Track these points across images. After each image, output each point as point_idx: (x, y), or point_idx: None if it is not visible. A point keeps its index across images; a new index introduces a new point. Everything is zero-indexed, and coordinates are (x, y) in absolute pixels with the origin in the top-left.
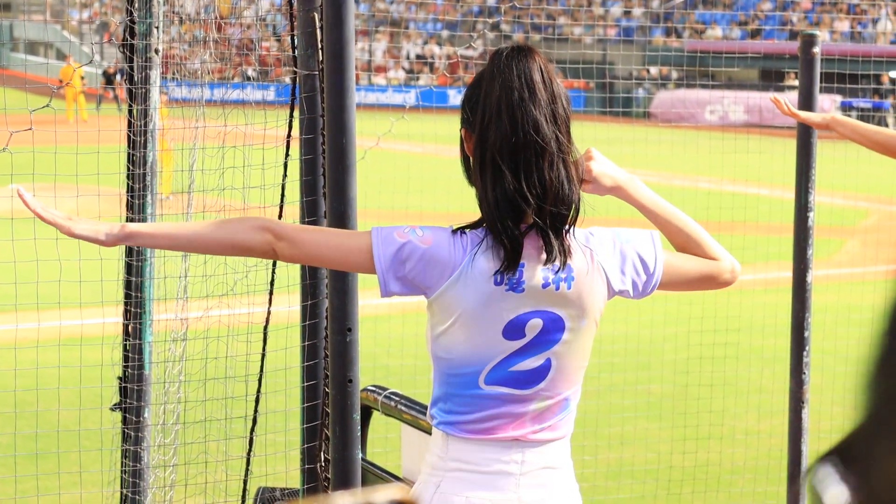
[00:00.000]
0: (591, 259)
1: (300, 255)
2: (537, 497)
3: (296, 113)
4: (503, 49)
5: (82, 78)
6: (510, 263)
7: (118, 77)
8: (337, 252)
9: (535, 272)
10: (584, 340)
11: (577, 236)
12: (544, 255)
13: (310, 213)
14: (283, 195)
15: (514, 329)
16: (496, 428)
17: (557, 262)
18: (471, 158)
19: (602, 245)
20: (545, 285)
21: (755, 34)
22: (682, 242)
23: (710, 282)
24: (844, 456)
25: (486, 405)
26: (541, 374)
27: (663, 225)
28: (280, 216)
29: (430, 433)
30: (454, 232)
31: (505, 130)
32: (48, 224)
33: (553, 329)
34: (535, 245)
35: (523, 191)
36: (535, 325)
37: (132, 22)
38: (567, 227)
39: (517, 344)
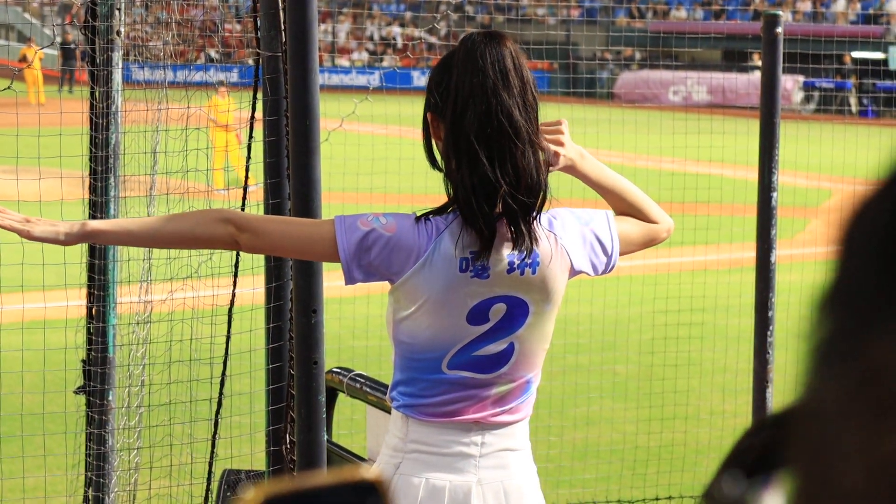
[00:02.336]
0: (556, 243)
1: (263, 246)
2: (496, 478)
3: (259, 95)
4: (475, 34)
5: (41, 59)
6: (484, 248)
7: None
8: (300, 242)
9: (501, 258)
10: (546, 323)
11: (541, 221)
12: (510, 242)
13: (273, 195)
14: (246, 177)
15: (478, 314)
16: (457, 411)
17: (524, 249)
18: (437, 143)
19: (565, 228)
20: (510, 271)
21: (719, 15)
22: (625, 210)
23: (649, 244)
24: (765, 460)
25: (449, 389)
26: (504, 358)
27: (609, 196)
28: (244, 198)
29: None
30: (418, 219)
31: (480, 117)
32: (5, 230)
33: (517, 314)
34: (501, 231)
35: (498, 177)
36: (498, 310)
37: (94, 4)
38: (534, 213)
39: (481, 329)
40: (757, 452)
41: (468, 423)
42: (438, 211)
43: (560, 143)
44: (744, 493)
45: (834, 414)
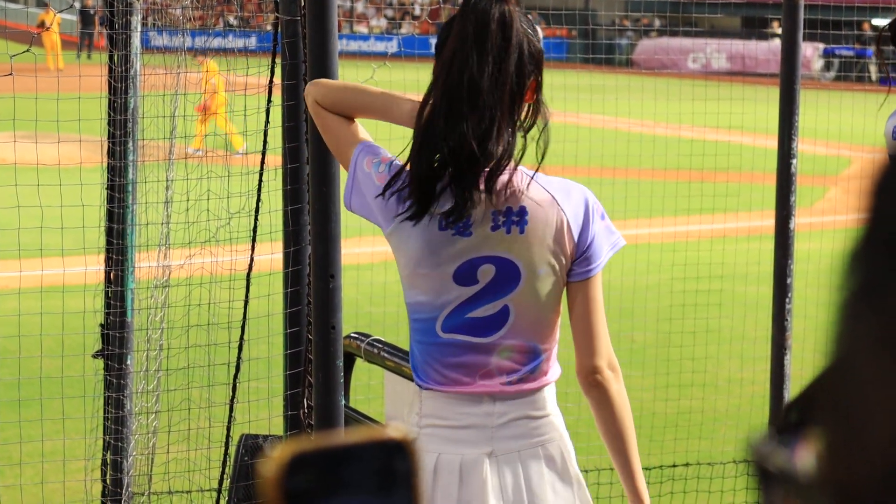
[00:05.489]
0: (557, 210)
1: (321, 122)
2: (513, 448)
3: (278, 59)
4: None
5: (58, 25)
6: (418, 202)
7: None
8: (334, 146)
9: (484, 215)
10: (545, 290)
11: (549, 184)
12: (492, 199)
13: (292, 160)
14: (265, 141)
15: (465, 275)
16: (462, 380)
17: (504, 206)
18: None
19: (570, 203)
20: (494, 228)
21: None
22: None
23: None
24: (798, 425)
25: (446, 353)
26: (498, 321)
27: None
28: (262, 163)
29: (412, 380)
30: None
31: (448, 74)
32: None
33: (508, 276)
34: (480, 189)
35: (444, 137)
36: (487, 271)
37: None
38: (476, 180)
39: (471, 290)
40: (798, 407)
41: (479, 395)
42: None
43: None
44: (773, 450)
45: (859, 365)
